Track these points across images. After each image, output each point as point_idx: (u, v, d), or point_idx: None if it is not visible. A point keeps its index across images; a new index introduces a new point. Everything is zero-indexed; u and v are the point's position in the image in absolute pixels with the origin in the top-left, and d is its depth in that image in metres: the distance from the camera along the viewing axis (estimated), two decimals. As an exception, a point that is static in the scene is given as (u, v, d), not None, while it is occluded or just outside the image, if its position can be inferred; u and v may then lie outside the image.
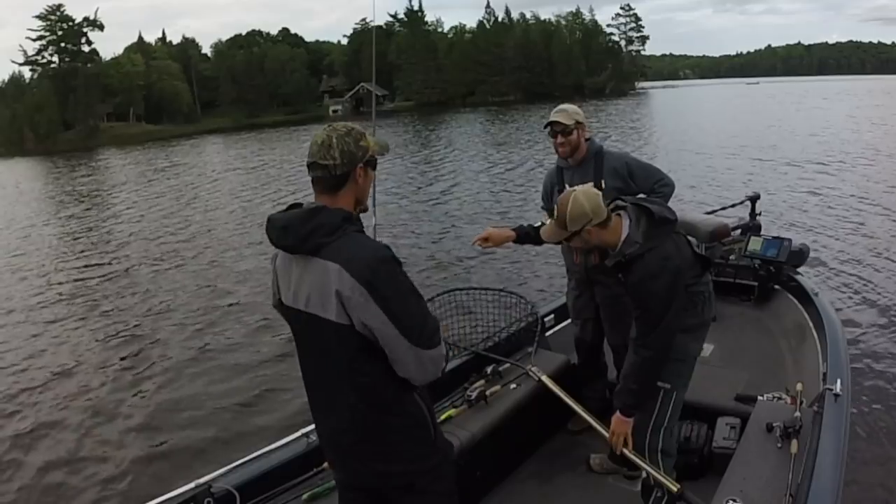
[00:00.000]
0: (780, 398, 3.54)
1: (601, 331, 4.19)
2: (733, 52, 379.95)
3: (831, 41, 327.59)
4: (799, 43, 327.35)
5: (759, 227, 5.80)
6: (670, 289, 2.88)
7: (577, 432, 4.28)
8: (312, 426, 3.29)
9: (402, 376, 2.16)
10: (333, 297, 2.07)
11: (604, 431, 3.28)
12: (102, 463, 6.04)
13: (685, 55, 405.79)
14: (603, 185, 3.79)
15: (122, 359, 8.46)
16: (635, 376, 3.04)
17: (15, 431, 6.72)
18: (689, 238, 3.22)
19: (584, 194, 2.98)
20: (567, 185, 3.93)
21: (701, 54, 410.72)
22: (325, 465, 3.17)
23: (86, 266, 14.09)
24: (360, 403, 2.20)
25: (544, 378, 3.85)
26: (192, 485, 2.90)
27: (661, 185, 3.94)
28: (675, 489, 2.95)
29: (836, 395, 3.15)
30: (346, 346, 2.14)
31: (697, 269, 3.10)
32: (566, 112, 3.90)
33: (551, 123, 3.90)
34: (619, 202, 3.08)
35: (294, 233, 2.13)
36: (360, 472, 2.32)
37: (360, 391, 2.19)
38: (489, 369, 4.19)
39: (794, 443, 2.92)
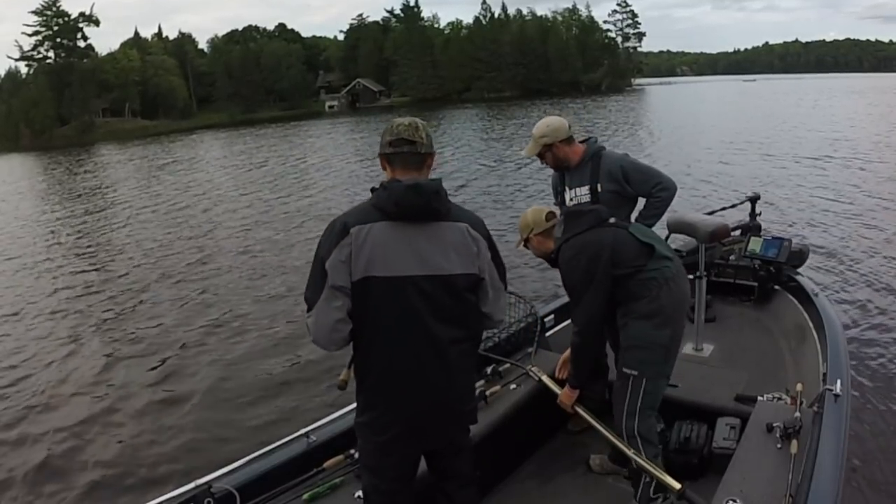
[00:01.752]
0: (780, 398, 3.53)
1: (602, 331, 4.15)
2: (731, 49, 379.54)
3: (829, 39, 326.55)
4: (796, 40, 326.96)
5: (758, 228, 5.81)
6: (585, 272, 3.28)
7: (578, 432, 4.28)
8: (313, 426, 3.33)
9: (490, 313, 2.62)
10: (463, 251, 2.45)
11: (604, 431, 3.39)
12: (103, 463, 6.01)
13: (682, 52, 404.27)
14: (599, 189, 3.94)
15: (124, 357, 8.42)
16: (571, 354, 3.55)
17: (13, 430, 6.71)
18: (635, 231, 3.43)
19: (531, 210, 3.69)
20: (567, 187, 4.13)
21: (699, 51, 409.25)
22: (326, 464, 3.19)
23: (81, 262, 14.08)
24: (469, 349, 2.58)
25: (544, 378, 3.88)
26: (191, 485, 2.89)
27: (659, 190, 3.98)
28: (676, 488, 2.98)
29: (837, 396, 3.15)
30: (464, 293, 2.47)
31: (642, 259, 3.30)
32: (533, 141, 4.05)
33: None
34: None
35: (444, 198, 2.43)
36: (451, 424, 2.62)
37: (469, 335, 2.56)
38: (489, 369, 4.21)
39: (794, 443, 2.92)
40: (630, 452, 3.26)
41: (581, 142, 4.12)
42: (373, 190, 2.45)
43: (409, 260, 2.36)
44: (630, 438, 3.35)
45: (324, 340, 2.41)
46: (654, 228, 3.84)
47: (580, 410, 3.58)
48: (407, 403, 2.46)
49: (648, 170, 4.07)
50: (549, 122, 4.06)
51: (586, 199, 4.00)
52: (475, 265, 2.47)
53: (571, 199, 4.09)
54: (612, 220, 3.43)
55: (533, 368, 4.03)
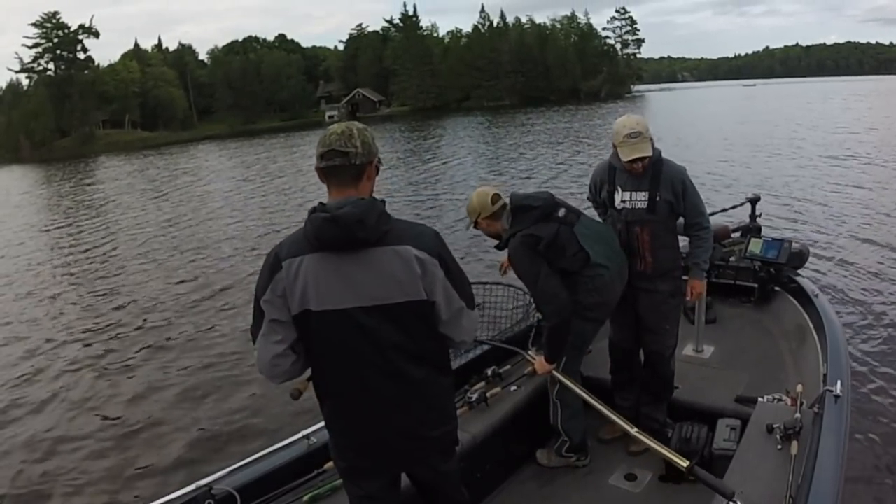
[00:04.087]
0: (780, 400, 3.52)
1: (637, 337, 4.12)
2: (732, 55, 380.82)
3: (829, 42, 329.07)
4: (797, 44, 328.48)
5: (759, 229, 5.79)
6: (531, 264, 3.58)
7: (608, 441, 4.29)
8: (314, 428, 3.32)
9: (450, 335, 2.43)
10: (403, 277, 2.22)
11: (606, 411, 3.49)
12: (103, 463, 6.07)
13: (683, 57, 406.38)
14: (658, 198, 3.78)
15: (124, 365, 8.47)
16: (548, 338, 3.72)
17: (13, 432, 6.78)
18: (581, 230, 3.71)
19: (476, 194, 3.83)
20: (619, 188, 3.89)
21: (699, 56, 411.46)
22: (326, 466, 3.18)
23: (80, 272, 14.10)
24: (426, 375, 2.39)
25: (558, 375, 3.83)
26: (192, 486, 2.90)
27: (697, 228, 3.91)
28: (684, 465, 2.97)
29: (837, 397, 3.15)
30: (411, 320, 2.29)
31: (577, 263, 3.64)
32: (642, 139, 3.68)
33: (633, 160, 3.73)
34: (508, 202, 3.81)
35: (370, 225, 2.18)
36: (416, 451, 2.47)
37: (425, 360, 2.37)
38: (489, 371, 4.23)
39: (795, 444, 2.91)
40: (633, 431, 3.31)
41: None
42: (308, 212, 2.26)
43: (343, 292, 2.21)
44: (552, 402, 3.95)
45: (266, 373, 2.34)
46: None
47: (559, 376, 3.78)
48: (358, 433, 2.40)
49: (698, 201, 3.87)
50: (640, 120, 3.80)
51: (643, 205, 3.80)
52: (420, 289, 2.25)
53: (623, 202, 3.87)
54: (560, 213, 3.72)
55: (530, 352, 4.13)
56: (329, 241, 2.17)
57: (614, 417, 3.41)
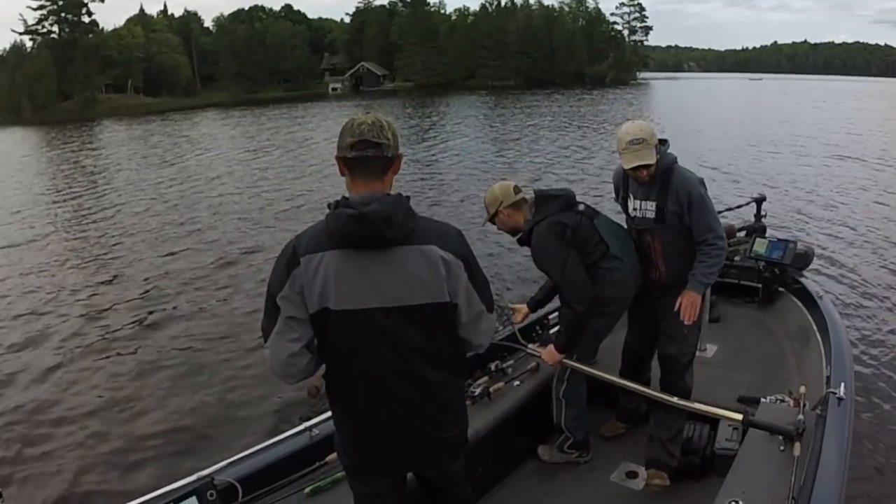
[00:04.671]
0: (783, 400, 3.52)
1: (652, 343, 4.06)
2: (739, 47, 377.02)
3: (838, 41, 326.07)
4: (805, 41, 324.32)
5: (764, 229, 5.79)
6: (558, 248, 3.64)
7: (609, 438, 4.35)
8: (316, 420, 3.32)
9: (468, 339, 2.40)
10: (427, 278, 2.17)
11: (633, 385, 3.80)
12: (104, 455, 6.02)
13: (690, 47, 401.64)
14: (666, 209, 3.61)
15: (125, 348, 8.40)
16: (562, 323, 3.79)
17: (11, 419, 6.71)
18: (599, 224, 3.81)
19: (497, 185, 3.89)
20: (631, 195, 3.78)
21: (707, 47, 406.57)
22: (328, 458, 3.18)
23: (84, 244, 14.09)
24: (443, 377, 2.34)
25: (569, 361, 3.86)
26: (194, 477, 2.89)
27: (704, 244, 3.63)
28: (739, 419, 3.20)
29: (840, 399, 3.15)
30: (432, 323, 2.24)
31: (597, 254, 3.72)
32: (644, 146, 3.50)
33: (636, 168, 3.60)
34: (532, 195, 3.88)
35: (397, 224, 2.12)
36: (427, 452, 2.44)
37: (442, 363, 2.32)
38: (493, 366, 4.23)
39: (797, 445, 2.90)
40: (662, 397, 3.57)
41: None
42: (329, 206, 2.19)
43: (364, 292, 2.15)
44: (557, 400, 3.99)
45: (279, 373, 2.25)
46: None
47: (570, 362, 3.85)
48: (369, 434, 2.34)
49: (709, 214, 3.59)
50: (648, 126, 3.59)
51: (651, 215, 3.67)
52: (444, 291, 2.21)
53: (635, 210, 3.78)
54: (581, 206, 3.84)
55: (530, 347, 4.20)
56: (355, 239, 2.10)
57: (646, 390, 3.58)
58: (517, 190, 3.85)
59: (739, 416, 3.06)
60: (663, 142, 3.65)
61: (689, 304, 3.69)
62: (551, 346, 3.85)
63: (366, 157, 2.14)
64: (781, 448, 3.00)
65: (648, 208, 3.68)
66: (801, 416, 3.08)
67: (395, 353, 2.22)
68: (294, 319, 2.17)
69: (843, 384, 3.25)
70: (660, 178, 3.59)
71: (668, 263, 3.74)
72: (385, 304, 2.16)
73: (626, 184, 3.83)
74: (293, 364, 2.21)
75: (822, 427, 3.01)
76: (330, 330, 2.19)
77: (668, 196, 3.58)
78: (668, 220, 3.62)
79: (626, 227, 3.93)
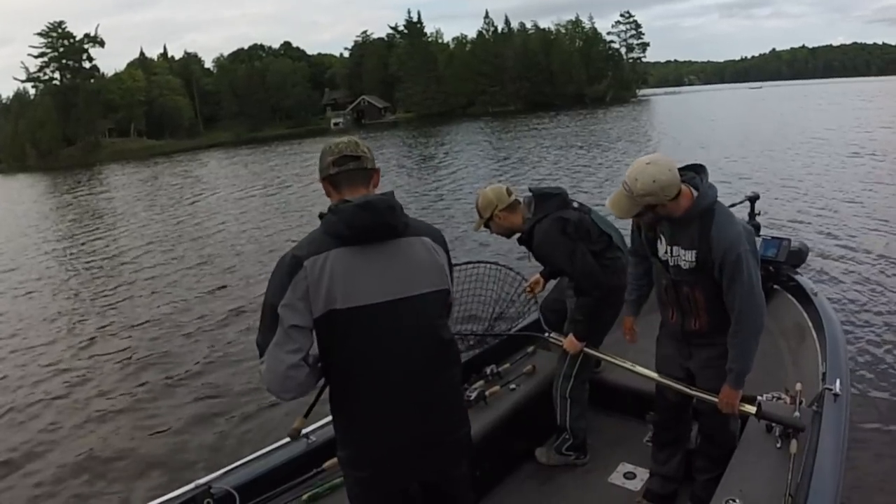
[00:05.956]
0: (779, 398, 3.42)
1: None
2: (738, 57, 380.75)
3: (836, 43, 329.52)
4: (803, 46, 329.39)
5: (758, 227, 5.72)
6: (565, 240, 3.67)
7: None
8: (313, 427, 3.29)
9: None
10: (429, 266, 2.29)
11: (640, 370, 3.58)
12: (102, 463, 6.12)
13: (689, 61, 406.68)
14: (707, 260, 2.96)
15: (122, 367, 8.55)
16: (581, 311, 3.77)
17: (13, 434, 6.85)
18: (595, 218, 3.90)
19: (489, 189, 3.92)
20: (662, 236, 3.15)
21: (706, 60, 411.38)
22: (326, 465, 3.19)
23: (86, 277, 14.18)
24: (452, 370, 2.41)
25: (590, 350, 3.85)
26: (191, 485, 2.89)
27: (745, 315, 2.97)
28: (752, 412, 3.09)
29: (836, 395, 3.14)
30: (437, 311, 2.32)
31: (601, 244, 3.82)
32: (627, 199, 2.92)
33: None
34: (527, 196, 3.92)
35: (399, 213, 2.24)
36: (439, 456, 2.40)
37: (449, 353, 2.39)
38: (489, 370, 4.24)
39: (794, 443, 2.89)
40: (671, 382, 3.39)
41: (682, 180, 2.97)
42: (321, 216, 2.24)
43: (372, 286, 2.17)
44: (561, 399, 4.00)
45: (276, 388, 2.17)
46: None
47: (592, 351, 3.85)
48: (383, 439, 2.27)
49: (749, 281, 2.90)
50: (658, 175, 2.84)
51: (688, 266, 3.03)
52: (445, 278, 2.33)
53: (671, 257, 3.12)
54: (575, 203, 3.92)
55: (552, 335, 4.06)
56: (362, 228, 2.16)
57: (662, 379, 3.43)
58: (510, 192, 3.89)
59: (752, 409, 3.04)
60: (698, 169, 3.06)
61: (727, 403, 3.14)
62: (571, 336, 3.85)
63: (348, 170, 2.26)
64: (778, 445, 2.98)
65: (684, 257, 3.04)
66: (797, 413, 3.05)
67: (405, 347, 2.23)
68: (296, 328, 2.12)
69: (838, 380, 3.24)
70: (698, 221, 2.96)
71: (711, 314, 3.12)
72: (393, 295, 2.20)
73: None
74: (292, 377, 2.15)
75: (818, 423, 3.00)
76: (338, 331, 2.16)
77: (712, 249, 2.92)
78: (715, 272, 2.97)
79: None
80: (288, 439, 3.26)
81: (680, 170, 2.98)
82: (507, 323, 4.37)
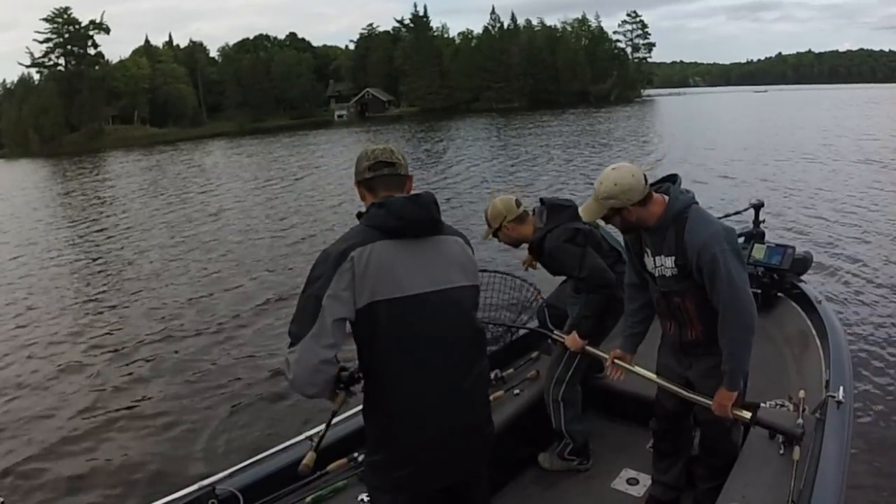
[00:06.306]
0: (782, 405, 3.45)
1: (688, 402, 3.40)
2: (744, 60, 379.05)
3: (842, 49, 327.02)
4: (809, 51, 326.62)
5: (762, 235, 5.73)
6: (576, 247, 3.70)
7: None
8: (317, 429, 3.21)
9: None
10: (465, 262, 2.39)
11: (645, 373, 3.52)
12: (104, 464, 6.07)
13: (695, 62, 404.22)
14: (687, 266, 2.98)
15: (128, 365, 8.47)
16: (589, 308, 3.78)
17: (14, 434, 6.77)
18: (604, 234, 3.96)
19: (498, 200, 3.95)
20: (647, 250, 3.18)
21: (712, 61, 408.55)
22: (330, 467, 3.18)
23: (88, 269, 14.24)
24: (480, 360, 2.42)
25: (591, 349, 3.83)
26: (195, 486, 2.89)
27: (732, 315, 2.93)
28: (747, 417, 3.08)
29: (839, 403, 3.14)
30: (472, 304, 2.43)
31: (611, 259, 3.83)
32: (595, 201, 3.02)
33: None
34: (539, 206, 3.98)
35: (438, 211, 2.34)
36: (474, 452, 2.44)
37: (481, 346, 2.47)
38: (492, 375, 4.21)
39: (797, 450, 2.88)
40: (673, 386, 3.35)
41: (656, 189, 3.06)
42: (359, 215, 2.31)
43: (417, 277, 2.22)
44: (553, 403, 3.99)
45: (303, 381, 2.15)
46: None
47: (592, 350, 3.84)
48: (428, 429, 2.26)
49: (736, 286, 2.87)
50: (619, 179, 2.92)
51: (670, 273, 3.05)
52: (477, 276, 2.46)
53: (655, 268, 3.14)
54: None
55: (555, 332, 4.06)
56: (411, 220, 2.24)
57: (662, 381, 3.41)
58: (518, 203, 3.93)
59: (748, 415, 3.03)
60: (671, 178, 3.15)
61: (722, 406, 3.12)
62: (574, 333, 3.87)
63: (383, 175, 2.36)
64: (781, 452, 2.97)
65: (666, 264, 3.06)
66: (800, 421, 3.04)
67: (446, 336, 2.28)
68: (337, 322, 2.14)
69: (842, 388, 3.24)
70: (672, 227, 2.99)
71: (705, 323, 3.09)
72: (437, 286, 2.28)
73: (637, 236, 3.22)
74: (322, 371, 2.16)
75: (821, 431, 2.99)
76: (380, 321, 2.18)
77: (686, 251, 2.94)
78: (696, 275, 2.96)
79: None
80: (293, 441, 3.30)
81: (657, 182, 3.12)
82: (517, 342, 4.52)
